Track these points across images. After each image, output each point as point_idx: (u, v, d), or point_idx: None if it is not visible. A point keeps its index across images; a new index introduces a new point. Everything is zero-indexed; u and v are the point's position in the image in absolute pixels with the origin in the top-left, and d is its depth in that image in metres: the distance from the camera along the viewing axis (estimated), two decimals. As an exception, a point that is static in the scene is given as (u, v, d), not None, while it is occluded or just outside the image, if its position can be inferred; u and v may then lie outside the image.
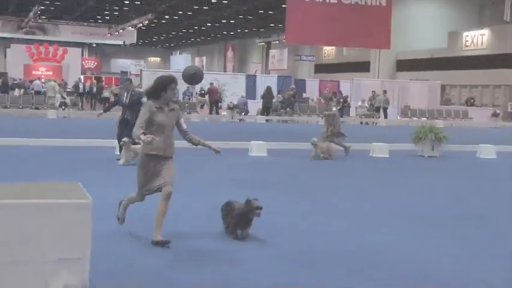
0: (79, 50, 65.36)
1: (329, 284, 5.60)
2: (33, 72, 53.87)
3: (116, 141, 13.43)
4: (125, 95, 13.18)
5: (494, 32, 43.28)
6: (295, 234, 7.46)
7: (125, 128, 12.63)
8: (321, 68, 60.73)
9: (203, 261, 6.16)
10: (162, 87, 6.64)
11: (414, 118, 35.55)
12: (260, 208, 6.81)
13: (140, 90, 17.11)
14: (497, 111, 38.57)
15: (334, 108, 16.35)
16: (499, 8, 41.32)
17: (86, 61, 74.74)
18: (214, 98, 33.80)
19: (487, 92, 43.75)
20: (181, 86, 33.99)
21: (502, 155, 17.51)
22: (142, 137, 6.22)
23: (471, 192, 11.56)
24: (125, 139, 12.63)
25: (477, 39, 44.63)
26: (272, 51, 75.13)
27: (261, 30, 72.30)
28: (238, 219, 6.92)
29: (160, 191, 6.51)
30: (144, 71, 41.01)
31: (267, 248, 6.75)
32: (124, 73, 47.79)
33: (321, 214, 8.84)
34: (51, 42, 61.35)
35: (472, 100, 42.35)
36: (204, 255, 6.38)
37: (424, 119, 34.30)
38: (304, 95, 39.09)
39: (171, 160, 6.64)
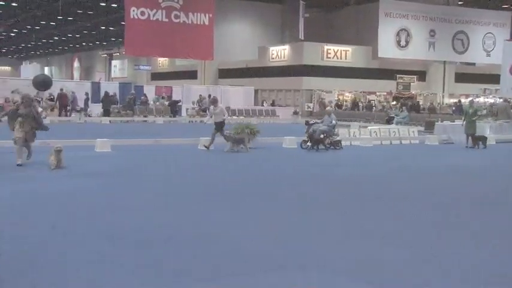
0: None
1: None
2: None
3: None
4: None
5: (292, 48, 45.52)
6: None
7: None
8: (157, 76, 60.11)
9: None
10: None
11: (234, 116, 36.08)
12: None
13: None
14: (297, 110, 40.78)
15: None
16: (295, 29, 43.70)
17: None
18: (63, 103, 32.11)
19: (290, 95, 45.96)
20: (32, 92, 31.88)
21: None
22: None
23: (279, 173, 12.16)
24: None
25: (280, 53, 46.69)
26: (114, 62, 73.08)
27: (104, 43, 70.00)
28: None
29: None
30: (-5, 79, 38.04)
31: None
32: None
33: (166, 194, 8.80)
34: None
35: (273, 101, 44.13)
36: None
37: (242, 117, 35.14)
38: (142, 99, 38.34)
39: None
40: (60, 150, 11.54)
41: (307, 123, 18.57)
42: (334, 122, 17.85)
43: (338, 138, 17.92)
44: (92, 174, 11.17)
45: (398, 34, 43.71)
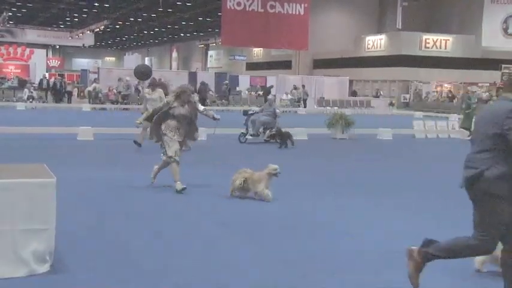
0: (44, 50, 63.09)
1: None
2: (3, 70, 51.50)
3: None
4: None
5: (389, 37, 44.28)
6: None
7: None
8: (252, 66, 60.71)
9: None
10: None
11: (328, 107, 35.59)
12: None
13: None
14: (393, 101, 39.67)
15: None
16: (393, 18, 42.41)
17: (50, 60, 71.82)
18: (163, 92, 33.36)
19: (385, 85, 44.78)
20: (133, 81, 33.43)
21: (396, 137, 18.02)
22: None
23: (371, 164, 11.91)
24: None
25: (377, 42, 45.59)
26: (210, 52, 74.82)
27: (201, 34, 71.71)
28: None
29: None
30: (101, 68, 40.44)
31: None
32: (84, 71, 46.34)
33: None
34: (19, 44, 58.87)
35: (378, 91, 42.87)
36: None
37: (336, 108, 34.61)
38: (237, 89, 39.00)
39: None
40: (276, 174, 7.69)
41: (245, 113, 16.34)
42: (277, 111, 15.83)
43: (285, 130, 15.06)
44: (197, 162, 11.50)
45: (505, 21, 41.22)
